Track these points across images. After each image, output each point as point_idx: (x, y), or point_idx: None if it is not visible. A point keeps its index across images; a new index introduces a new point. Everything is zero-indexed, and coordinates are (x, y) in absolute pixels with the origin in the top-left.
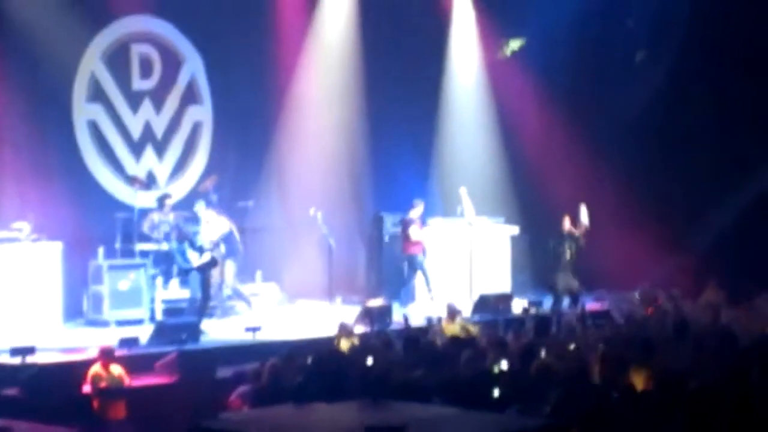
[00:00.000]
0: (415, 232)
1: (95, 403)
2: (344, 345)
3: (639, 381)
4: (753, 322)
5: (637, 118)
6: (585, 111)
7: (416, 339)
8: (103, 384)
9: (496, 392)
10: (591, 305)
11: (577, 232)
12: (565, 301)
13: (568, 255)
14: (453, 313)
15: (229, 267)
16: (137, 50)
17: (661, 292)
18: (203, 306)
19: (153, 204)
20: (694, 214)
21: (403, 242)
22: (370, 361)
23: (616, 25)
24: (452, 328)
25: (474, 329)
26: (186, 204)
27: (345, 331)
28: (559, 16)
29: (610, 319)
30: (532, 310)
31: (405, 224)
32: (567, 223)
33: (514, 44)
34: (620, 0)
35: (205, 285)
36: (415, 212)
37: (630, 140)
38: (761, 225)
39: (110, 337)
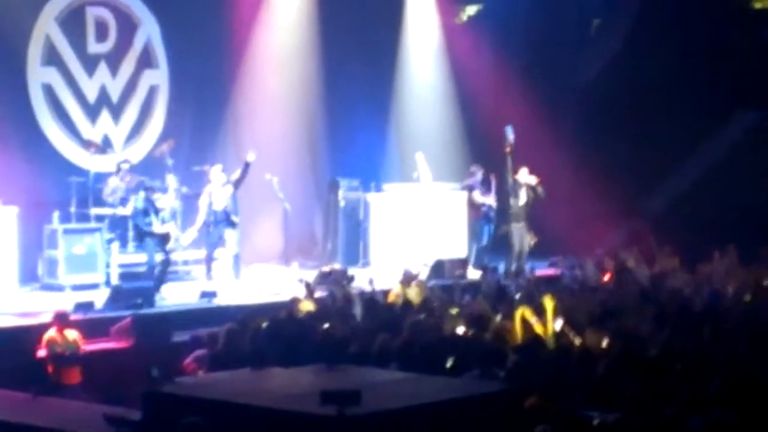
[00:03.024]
0: (477, 197)
1: (50, 368)
2: (304, 308)
3: (596, 345)
4: (705, 285)
5: (592, 84)
6: (540, 77)
7: (375, 303)
8: (58, 349)
9: (450, 359)
10: (545, 271)
11: (533, 182)
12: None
13: (522, 202)
14: (409, 278)
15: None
16: (92, 13)
17: (616, 257)
18: (163, 271)
19: (110, 168)
20: (648, 180)
21: (469, 208)
22: (326, 325)
23: None
24: (408, 293)
25: (430, 294)
26: (142, 168)
27: (307, 291)
28: None
29: (562, 284)
30: (489, 276)
31: (468, 190)
32: (524, 173)
33: (471, 9)
34: None
35: (164, 250)
36: (475, 178)
37: (585, 106)
38: (714, 190)
39: (65, 302)
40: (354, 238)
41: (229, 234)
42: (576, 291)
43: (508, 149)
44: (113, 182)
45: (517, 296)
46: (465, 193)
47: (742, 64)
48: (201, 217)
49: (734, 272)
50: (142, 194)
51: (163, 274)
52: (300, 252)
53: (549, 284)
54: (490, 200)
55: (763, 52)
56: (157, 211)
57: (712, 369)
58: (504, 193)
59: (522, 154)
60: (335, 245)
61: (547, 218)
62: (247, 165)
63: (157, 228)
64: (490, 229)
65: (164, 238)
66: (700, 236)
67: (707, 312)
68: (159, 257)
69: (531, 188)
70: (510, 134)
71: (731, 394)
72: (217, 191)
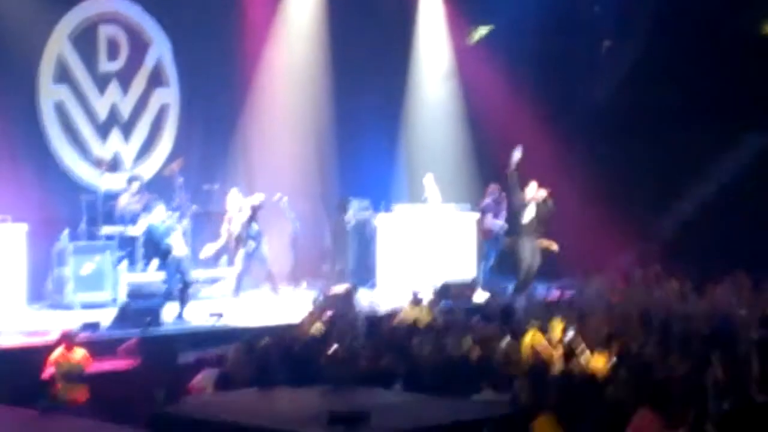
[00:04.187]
0: (489, 221)
1: (57, 387)
2: (314, 330)
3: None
4: (716, 309)
5: (603, 105)
6: (552, 98)
7: (379, 325)
8: (64, 368)
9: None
10: (554, 294)
11: (542, 198)
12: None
13: (529, 219)
14: (416, 300)
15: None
16: (105, 31)
17: (626, 279)
18: (184, 290)
19: (120, 186)
20: (659, 201)
21: (479, 229)
22: (333, 346)
23: (583, 13)
24: (415, 315)
25: (437, 316)
26: (152, 187)
27: (317, 314)
28: (526, 2)
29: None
30: (495, 298)
31: (481, 212)
32: (533, 188)
33: (482, 31)
34: None
35: (185, 270)
36: (490, 199)
37: (596, 127)
38: (725, 213)
39: (74, 321)
40: (363, 259)
41: (240, 254)
42: (584, 313)
43: (511, 169)
44: (124, 200)
45: (525, 318)
46: (474, 214)
47: (752, 87)
48: (224, 238)
49: (744, 297)
50: (160, 212)
51: (184, 293)
52: (309, 272)
53: (558, 307)
54: (501, 222)
55: None
56: (171, 230)
57: (721, 394)
58: (511, 212)
59: (531, 174)
60: (344, 265)
61: (555, 239)
62: (254, 209)
63: (178, 247)
64: (498, 249)
65: (183, 258)
66: (709, 260)
67: (716, 337)
68: (179, 277)
69: (541, 202)
70: (516, 155)
71: (739, 420)
72: (235, 215)
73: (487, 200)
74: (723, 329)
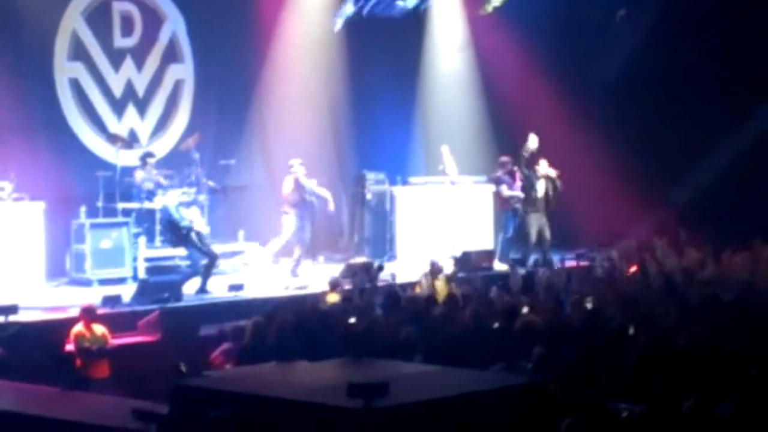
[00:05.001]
0: (505, 191)
1: (78, 362)
2: (331, 299)
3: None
4: (734, 277)
5: (617, 75)
6: (566, 69)
7: (397, 297)
8: (85, 343)
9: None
10: (571, 263)
11: (553, 174)
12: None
13: (540, 194)
14: (436, 270)
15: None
16: (118, 8)
17: (643, 249)
18: (211, 266)
19: (135, 162)
20: (674, 171)
21: (495, 200)
22: (352, 319)
23: None
24: (434, 285)
25: (456, 287)
26: (168, 162)
27: (334, 285)
28: None
29: (591, 276)
30: (515, 269)
31: (496, 183)
32: (544, 165)
33: (496, 1)
34: None
35: (208, 245)
36: (504, 170)
37: (610, 98)
38: (740, 181)
39: (93, 296)
40: (380, 232)
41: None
42: (604, 282)
43: (526, 153)
44: (140, 175)
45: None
46: (491, 186)
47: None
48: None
49: (761, 264)
50: (174, 195)
51: (209, 269)
52: (326, 245)
53: (578, 275)
54: (517, 192)
55: None
56: (189, 206)
57: (742, 362)
58: (524, 185)
59: (547, 146)
60: (362, 238)
61: (573, 209)
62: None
63: (198, 223)
64: (515, 221)
65: (204, 234)
66: (727, 228)
67: (736, 304)
68: (204, 252)
69: (550, 180)
70: (531, 144)
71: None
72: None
73: (500, 172)
74: (742, 296)
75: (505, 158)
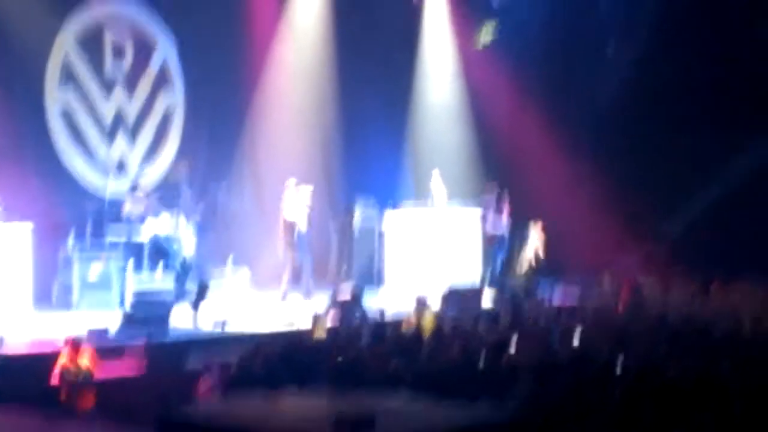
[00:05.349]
0: (489, 229)
1: (63, 394)
2: (318, 333)
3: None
4: (724, 312)
5: (607, 106)
6: (556, 100)
7: (385, 330)
8: (71, 375)
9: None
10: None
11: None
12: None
13: (529, 253)
14: (422, 305)
15: None
16: (110, 34)
17: (632, 282)
18: (201, 294)
19: (124, 192)
20: (664, 203)
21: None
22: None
23: (588, 15)
24: (421, 320)
25: (443, 322)
26: (158, 190)
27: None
28: (531, 4)
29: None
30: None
31: (482, 220)
32: (537, 229)
33: (487, 35)
34: None
35: (198, 272)
36: (488, 202)
37: (601, 129)
38: (731, 214)
39: (80, 325)
40: (368, 260)
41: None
42: (593, 315)
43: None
44: (128, 206)
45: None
46: (479, 210)
47: (759, 90)
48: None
49: (752, 299)
50: (164, 221)
51: (200, 297)
52: (315, 273)
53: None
54: (502, 227)
55: None
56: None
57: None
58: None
59: (537, 174)
60: (350, 267)
61: (563, 241)
62: None
63: (188, 250)
64: (502, 255)
65: (194, 262)
66: (716, 261)
67: (726, 339)
68: (192, 280)
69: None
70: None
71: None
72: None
73: (483, 206)
74: (732, 331)
75: (489, 185)
